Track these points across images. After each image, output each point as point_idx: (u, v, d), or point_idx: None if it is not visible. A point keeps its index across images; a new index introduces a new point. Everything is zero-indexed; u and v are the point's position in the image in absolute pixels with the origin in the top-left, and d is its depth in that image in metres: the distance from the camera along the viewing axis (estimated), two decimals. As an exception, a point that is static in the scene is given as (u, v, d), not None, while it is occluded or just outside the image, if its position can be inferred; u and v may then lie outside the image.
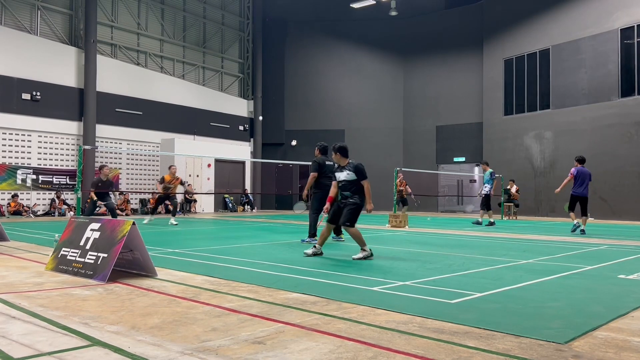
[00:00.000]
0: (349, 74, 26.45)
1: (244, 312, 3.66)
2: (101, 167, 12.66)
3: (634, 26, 18.02)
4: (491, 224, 14.20)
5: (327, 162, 9.07)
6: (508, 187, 19.52)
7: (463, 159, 24.00)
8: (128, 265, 5.40)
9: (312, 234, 8.88)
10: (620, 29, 18.36)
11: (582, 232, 11.28)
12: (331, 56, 26.60)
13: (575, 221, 11.78)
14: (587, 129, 19.14)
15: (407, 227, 13.26)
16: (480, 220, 14.62)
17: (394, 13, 24.81)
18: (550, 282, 5.04)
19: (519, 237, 10.74)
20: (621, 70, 18.34)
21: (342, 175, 7.03)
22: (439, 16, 25.27)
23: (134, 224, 5.08)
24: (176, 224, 13.32)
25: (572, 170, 11.67)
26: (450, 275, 5.39)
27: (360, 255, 6.68)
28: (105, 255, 5.05)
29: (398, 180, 18.59)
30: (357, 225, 7.04)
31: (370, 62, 26.47)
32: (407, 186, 19.22)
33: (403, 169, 19.33)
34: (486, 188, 14.64)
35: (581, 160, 11.76)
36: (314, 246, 7.07)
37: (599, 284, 5.00)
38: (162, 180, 13.72)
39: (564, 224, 15.17)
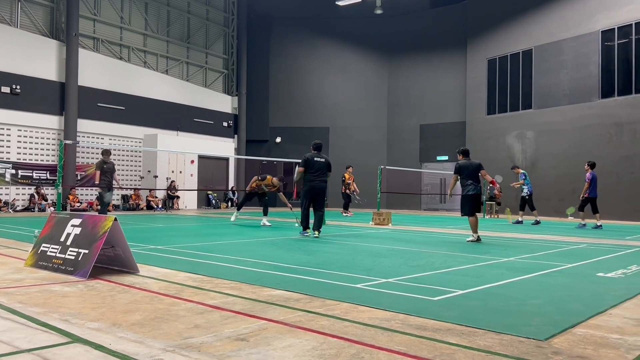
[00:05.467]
0: (334, 72, 26.46)
1: (227, 309, 3.64)
2: (105, 152, 12.43)
3: (614, 28, 18.31)
4: (530, 222, 14.67)
5: (316, 159, 9.20)
6: (490, 185, 19.69)
7: (446, 157, 24.18)
8: (109, 262, 5.34)
9: (304, 226, 9.11)
10: (601, 31, 18.64)
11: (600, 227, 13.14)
12: (316, 53, 26.58)
13: (584, 221, 13.49)
14: (567, 129, 19.42)
15: (390, 225, 13.32)
16: (520, 219, 14.98)
17: (379, 11, 24.86)
18: (531, 280, 5.11)
19: (501, 235, 10.86)
20: (601, 72, 18.63)
21: None
22: (424, 15, 25.40)
23: (115, 220, 5.02)
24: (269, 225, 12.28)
25: (588, 175, 13.31)
26: (432, 273, 5.43)
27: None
28: (86, 251, 4.98)
29: (346, 174, 18.59)
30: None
31: (355, 60, 26.51)
32: (354, 182, 19.02)
33: (387, 167, 19.42)
34: (524, 190, 14.86)
35: (593, 165, 13.49)
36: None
37: (578, 281, 5.08)
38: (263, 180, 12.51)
39: (545, 223, 15.38)
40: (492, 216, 19.29)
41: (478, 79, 22.83)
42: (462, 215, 9.37)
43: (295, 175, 9.42)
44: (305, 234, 8.96)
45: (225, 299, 3.99)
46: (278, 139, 26.08)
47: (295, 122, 25.98)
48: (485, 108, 22.50)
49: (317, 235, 9.24)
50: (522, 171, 15.22)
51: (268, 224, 12.28)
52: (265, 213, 12.57)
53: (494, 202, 19.50)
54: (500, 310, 3.78)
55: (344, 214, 18.24)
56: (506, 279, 5.12)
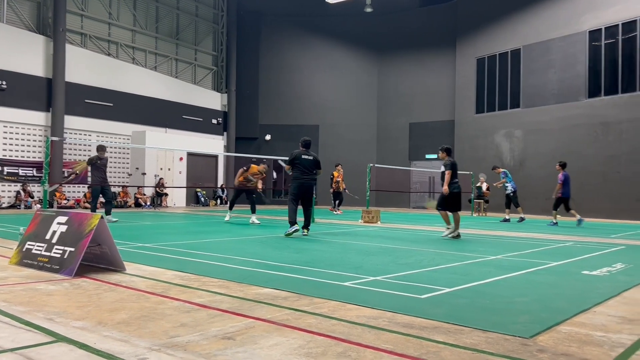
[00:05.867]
0: (324, 69, 26.44)
1: (214, 308, 3.62)
2: (100, 147, 12.30)
3: (601, 28, 18.48)
4: (515, 220, 14.85)
5: (304, 156, 9.16)
6: (479, 184, 19.82)
7: (435, 156, 24.24)
8: (96, 260, 5.30)
9: (291, 222, 9.09)
10: (589, 31, 18.81)
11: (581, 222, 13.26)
12: (306, 51, 26.53)
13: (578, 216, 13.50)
14: (555, 128, 19.58)
15: (379, 222, 13.35)
16: (507, 217, 15.19)
17: (369, 10, 24.87)
18: (518, 278, 5.15)
19: (489, 233, 10.93)
20: (589, 72, 18.80)
21: None
22: (413, 14, 25.45)
23: (102, 217, 4.98)
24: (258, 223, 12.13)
25: (560, 175, 13.38)
26: (420, 271, 5.45)
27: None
28: (73, 249, 4.93)
29: (336, 172, 18.60)
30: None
31: (345, 58, 26.51)
32: (343, 181, 19.05)
33: (376, 165, 19.43)
34: (508, 187, 15.03)
35: (564, 165, 13.61)
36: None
37: (564, 279, 5.13)
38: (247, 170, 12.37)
39: (533, 221, 15.50)
40: (481, 214, 19.40)
41: (467, 78, 22.94)
42: (439, 210, 9.53)
43: (286, 169, 9.47)
44: (292, 229, 8.89)
45: (213, 297, 3.97)
46: (268, 137, 26.04)
47: (285, 120, 25.94)
48: (474, 107, 22.62)
49: (306, 233, 9.24)
50: (502, 170, 15.40)
51: (257, 221, 12.23)
52: (253, 210, 12.52)
53: (482, 200, 19.62)
54: (487, 308, 3.80)
55: (334, 212, 18.26)
56: (493, 276, 5.15)
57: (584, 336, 3.10)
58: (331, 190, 18.77)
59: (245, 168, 12.47)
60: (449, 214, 9.52)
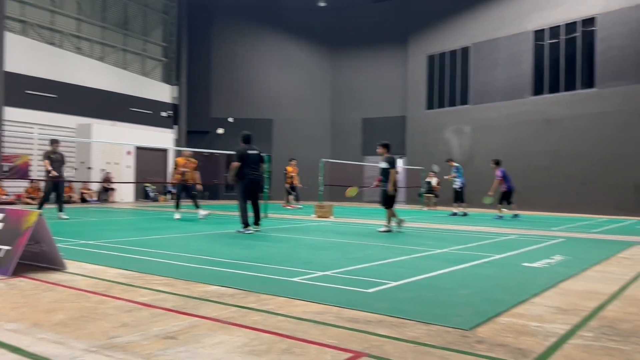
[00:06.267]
0: (278, 63, 26.29)
1: (158, 307, 3.55)
2: (53, 141, 11.74)
3: (545, 29, 19.20)
4: (459, 214, 15.25)
5: (249, 152, 9.01)
6: (429, 178, 20.24)
7: (387, 151, 24.58)
8: (35, 259, 5.08)
9: (245, 223, 8.85)
10: (534, 31, 19.49)
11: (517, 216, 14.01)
12: (260, 44, 26.29)
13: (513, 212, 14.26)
14: (502, 124, 20.22)
15: (332, 217, 13.44)
16: (455, 211, 15.53)
17: (322, 4, 24.88)
18: (462, 271, 5.30)
19: (437, 227, 11.20)
20: (533, 70, 19.51)
21: None
22: (366, 10, 25.63)
23: (40, 214, 4.78)
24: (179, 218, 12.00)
25: (498, 172, 13.96)
26: (369, 265, 5.52)
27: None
28: (9, 247, 4.72)
29: (290, 167, 18.55)
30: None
31: (299, 52, 26.44)
32: (297, 176, 18.97)
33: (329, 160, 19.53)
34: (457, 183, 15.34)
35: (498, 162, 14.27)
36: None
37: (505, 272, 5.32)
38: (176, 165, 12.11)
39: (481, 215, 15.99)
40: (430, 208, 19.83)
41: (418, 75, 23.35)
42: (386, 208, 9.67)
43: (231, 171, 9.03)
44: (248, 231, 8.76)
45: (157, 295, 3.89)
46: (220, 130, 25.65)
47: (238, 113, 25.63)
48: (425, 103, 23.06)
49: (257, 229, 9.17)
50: (455, 164, 15.74)
51: (204, 212, 12.04)
52: (196, 205, 12.23)
53: (432, 195, 20.05)
54: (431, 301, 3.89)
55: (289, 207, 18.20)
56: (439, 269, 5.28)
57: (521, 327, 3.22)
58: (287, 185, 18.62)
59: (175, 166, 12.33)
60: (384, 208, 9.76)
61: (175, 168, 12.33)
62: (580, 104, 18.11)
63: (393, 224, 9.72)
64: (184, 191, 12.46)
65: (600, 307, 3.78)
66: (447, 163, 16.38)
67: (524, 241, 8.32)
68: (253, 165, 9.05)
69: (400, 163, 22.48)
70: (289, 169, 18.61)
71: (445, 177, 16.26)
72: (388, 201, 9.59)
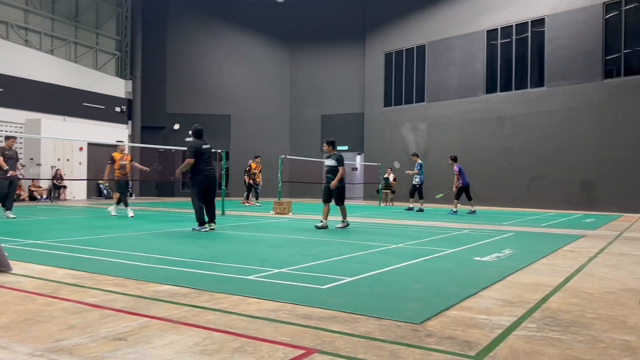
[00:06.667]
0: (236, 58, 26.04)
1: (107, 307, 3.47)
2: (6, 138, 11.22)
3: (497, 28, 19.74)
4: (415, 209, 15.60)
5: (204, 147, 8.85)
6: (386, 175, 20.54)
7: (346, 147, 24.79)
8: (-23, 260, 4.87)
9: (200, 221, 8.70)
10: (487, 30, 20.02)
11: (474, 212, 14.35)
12: (216, 38, 25.95)
13: (456, 208, 14.66)
14: (456, 122, 20.71)
15: (290, 214, 13.44)
16: (411, 206, 15.93)
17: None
18: (415, 266, 5.40)
19: (393, 222, 11.37)
20: (486, 69, 20.05)
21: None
22: (324, 6, 25.71)
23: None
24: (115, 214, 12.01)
25: (456, 168, 14.43)
26: (325, 261, 5.55)
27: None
28: (-52, 249, 4.50)
29: (254, 163, 18.39)
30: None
31: (257, 47, 26.26)
32: (260, 174, 18.87)
33: (288, 157, 19.51)
34: (417, 179, 15.54)
35: (455, 159, 14.80)
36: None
37: (457, 266, 5.46)
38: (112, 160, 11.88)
39: (435, 210, 16.33)
40: (387, 204, 20.12)
41: (376, 72, 23.60)
42: (338, 204, 9.84)
43: (182, 167, 8.84)
44: (203, 229, 8.64)
45: (107, 296, 3.80)
46: (176, 126, 25.22)
47: (195, 109, 25.26)
48: (382, 100, 23.35)
49: (213, 226, 9.02)
50: (419, 161, 15.86)
51: (115, 210, 12.17)
52: (125, 204, 11.95)
53: (389, 191, 20.34)
54: (384, 296, 3.95)
55: (248, 204, 18.05)
56: (393, 264, 5.37)
57: (469, 319, 3.32)
58: (249, 181, 18.32)
59: (109, 162, 11.99)
60: (330, 206, 9.94)
61: (112, 163, 11.95)
62: (531, 102, 18.75)
63: (330, 223, 9.80)
64: (121, 186, 12.18)
65: (544, 299, 3.94)
66: (412, 157, 16.41)
67: (476, 236, 8.55)
68: (207, 160, 8.88)
69: (358, 160, 22.79)
70: (253, 165, 18.39)
71: (407, 171, 16.44)
72: (329, 197, 9.81)
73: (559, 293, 4.17)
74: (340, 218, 10.01)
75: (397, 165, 19.09)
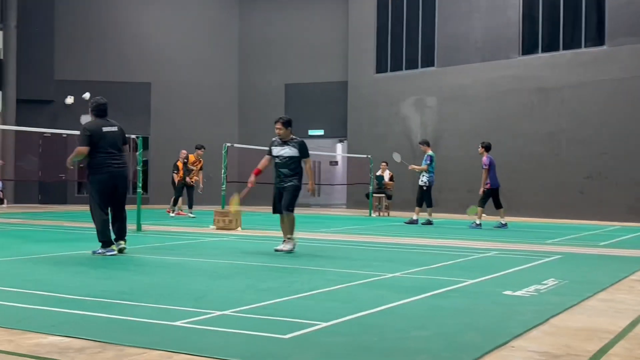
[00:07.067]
0: (159, 6, 25.85)
1: (-37, 370, 3.41)
2: None
3: (538, -38, 19.99)
4: (422, 221, 15.47)
5: (105, 129, 8.59)
6: (380, 172, 20.55)
7: (321, 132, 24.85)
8: None
9: (104, 240, 8.50)
10: (523, -35, 20.26)
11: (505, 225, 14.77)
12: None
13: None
14: (480, 95, 20.81)
15: (239, 229, 13.40)
16: (415, 218, 15.70)
17: None
18: (419, 303, 5.44)
19: (389, 240, 11.42)
20: (523, 19, 20.21)
21: None
22: None
23: None
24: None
25: (485, 159, 14.54)
26: (289, 298, 5.55)
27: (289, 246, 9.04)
28: None
29: (193, 156, 18.22)
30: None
31: (189, -10, 26.19)
32: (201, 171, 18.72)
33: (236, 145, 19.42)
34: (424, 178, 15.55)
35: (488, 147, 14.79)
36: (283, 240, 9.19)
37: (479, 304, 5.52)
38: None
39: (449, 222, 16.46)
40: (381, 214, 20.17)
41: (364, 25, 23.63)
42: (286, 211, 9.54)
43: (72, 157, 8.62)
44: (109, 252, 8.44)
45: (-39, 354, 3.74)
46: (69, 99, 24.87)
47: (98, 75, 24.91)
48: (374, 64, 23.41)
49: (122, 246, 8.83)
50: (430, 152, 15.83)
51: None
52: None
53: (384, 195, 20.31)
54: (372, 348, 3.97)
55: (177, 215, 17.84)
56: (386, 303, 5.39)
57: (495, 381, 3.36)
58: (179, 180, 17.99)
59: None
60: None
61: None
62: (586, 67, 18.85)
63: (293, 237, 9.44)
64: None
65: (603, 351, 4.00)
66: (420, 146, 16.41)
67: (506, 259, 8.66)
68: (112, 149, 8.63)
69: (339, 150, 22.88)
70: (192, 157, 18.16)
71: (412, 166, 16.36)
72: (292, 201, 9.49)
73: (623, 342, 4.25)
74: (281, 234, 9.48)
75: (396, 158, 18.98)
